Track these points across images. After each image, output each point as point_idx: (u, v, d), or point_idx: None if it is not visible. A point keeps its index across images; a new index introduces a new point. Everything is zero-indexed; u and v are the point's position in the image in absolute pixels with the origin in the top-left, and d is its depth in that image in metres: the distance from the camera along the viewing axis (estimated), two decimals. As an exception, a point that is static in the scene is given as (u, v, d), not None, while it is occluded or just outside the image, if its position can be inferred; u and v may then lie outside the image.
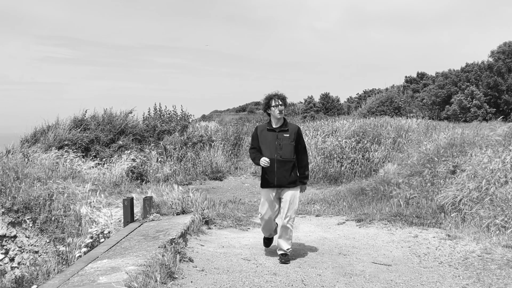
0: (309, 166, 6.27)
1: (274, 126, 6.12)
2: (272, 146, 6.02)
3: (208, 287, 5.17)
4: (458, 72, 43.15)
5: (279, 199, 6.18)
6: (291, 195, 6.08)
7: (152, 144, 16.32)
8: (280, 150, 5.98)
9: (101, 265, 5.70)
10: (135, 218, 8.59)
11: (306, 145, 6.69)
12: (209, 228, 8.02)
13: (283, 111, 6.07)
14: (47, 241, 9.81)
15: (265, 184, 6.15)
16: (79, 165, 13.84)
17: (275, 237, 6.50)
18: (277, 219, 6.29)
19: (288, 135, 6.04)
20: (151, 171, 14.90)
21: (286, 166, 6.00)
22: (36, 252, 9.90)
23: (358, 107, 34.58)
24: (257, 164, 6.11)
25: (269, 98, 6.13)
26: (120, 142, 15.67)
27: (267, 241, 6.78)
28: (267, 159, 5.95)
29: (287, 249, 6.25)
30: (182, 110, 19.68)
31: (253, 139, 6.30)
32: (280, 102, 6.06)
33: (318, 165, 15.56)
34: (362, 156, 15.99)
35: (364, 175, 14.96)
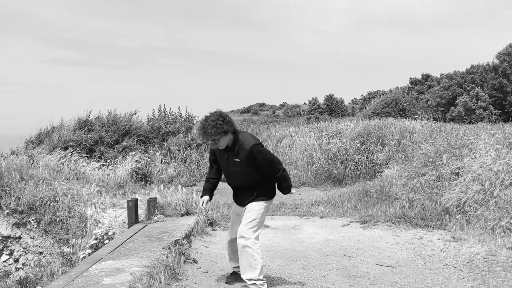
0: (286, 173, 5.00)
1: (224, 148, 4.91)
2: (226, 170, 5.01)
3: (212, 289, 5.17)
4: (463, 74, 43.04)
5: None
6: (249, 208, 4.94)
7: (156, 146, 16.35)
8: (232, 176, 4.99)
9: (105, 266, 5.71)
10: (139, 219, 8.60)
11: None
12: (213, 230, 8.02)
13: (217, 146, 4.82)
14: (52, 242, 9.84)
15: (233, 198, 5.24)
16: (83, 166, 13.88)
17: None
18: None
19: (238, 159, 4.81)
20: (155, 172, 14.92)
21: (245, 191, 4.97)
22: (41, 253, 9.93)
23: (362, 108, 34.56)
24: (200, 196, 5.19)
25: (201, 136, 4.85)
26: (125, 143, 15.71)
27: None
28: (204, 202, 5.04)
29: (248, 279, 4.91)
30: (186, 111, 19.74)
31: (210, 155, 5.22)
32: (213, 139, 4.74)
33: (322, 167, 15.55)
34: (366, 158, 15.96)
35: (368, 177, 14.93)
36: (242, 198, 5.01)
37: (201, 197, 5.09)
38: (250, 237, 4.76)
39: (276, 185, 5.06)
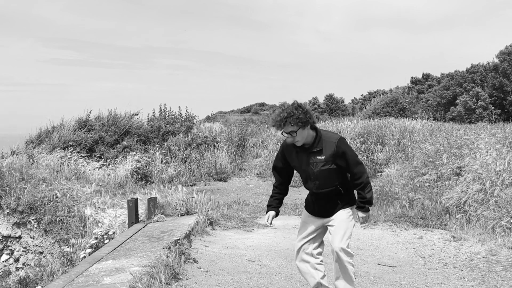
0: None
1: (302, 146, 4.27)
2: (306, 172, 4.31)
3: (212, 288, 5.17)
4: (463, 73, 43.04)
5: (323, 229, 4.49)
6: (339, 218, 4.31)
7: (156, 145, 16.34)
8: (315, 179, 4.27)
9: (105, 265, 5.71)
10: (139, 219, 8.60)
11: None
12: (214, 229, 8.02)
13: (294, 141, 4.20)
14: (52, 242, 9.84)
15: (306, 207, 4.57)
16: (83, 166, 13.88)
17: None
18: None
19: (323, 156, 4.17)
20: (155, 172, 14.92)
21: (327, 198, 4.32)
22: (41, 252, 9.93)
23: (362, 108, 34.52)
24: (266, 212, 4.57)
25: (273, 121, 4.21)
26: (125, 143, 15.70)
27: None
28: (269, 218, 4.46)
29: None
30: (186, 111, 19.70)
31: (277, 158, 4.53)
32: (290, 130, 4.13)
33: (323, 166, 15.50)
34: (367, 157, 15.96)
35: (368, 176, 14.92)
36: (323, 207, 4.33)
37: (266, 212, 4.51)
38: (352, 253, 4.26)
39: (356, 195, 4.35)
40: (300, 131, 4.09)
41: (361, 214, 4.28)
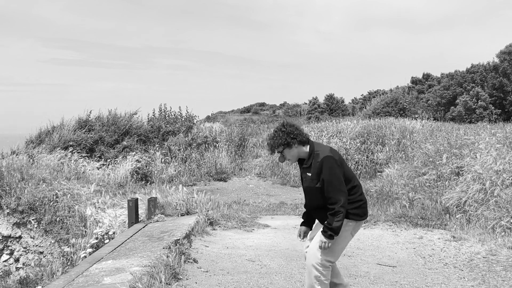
0: (343, 211, 4.01)
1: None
2: (303, 186, 4.40)
3: (212, 288, 5.17)
4: (463, 73, 42.99)
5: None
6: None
7: (156, 145, 16.34)
8: (306, 194, 4.37)
9: (105, 265, 5.71)
10: (139, 219, 8.60)
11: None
12: (214, 229, 8.02)
13: (285, 159, 4.33)
14: (52, 241, 9.84)
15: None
16: (83, 166, 13.88)
17: None
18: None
19: (310, 174, 4.19)
20: (155, 172, 14.92)
21: (320, 213, 4.24)
22: (41, 252, 9.93)
23: (362, 108, 34.50)
24: None
25: (268, 150, 4.39)
26: (125, 143, 15.70)
27: None
28: (300, 233, 4.51)
29: None
30: (187, 111, 19.70)
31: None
32: (277, 151, 4.30)
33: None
34: (367, 157, 15.96)
35: (368, 176, 14.93)
36: (324, 216, 4.18)
37: (301, 224, 4.52)
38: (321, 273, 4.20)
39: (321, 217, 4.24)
40: (287, 150, 4.24)
41: (322, 238, 4.09)
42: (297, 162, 4.42)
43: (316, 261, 4.15)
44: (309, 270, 4.22)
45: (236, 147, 17.58)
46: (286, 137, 4.20)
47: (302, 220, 4.55)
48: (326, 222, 4.08)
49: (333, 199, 4.03)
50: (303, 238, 4.46)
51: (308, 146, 4.25)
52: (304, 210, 4.52)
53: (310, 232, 4.48)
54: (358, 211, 4.22)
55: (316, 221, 4.44)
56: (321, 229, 4.13)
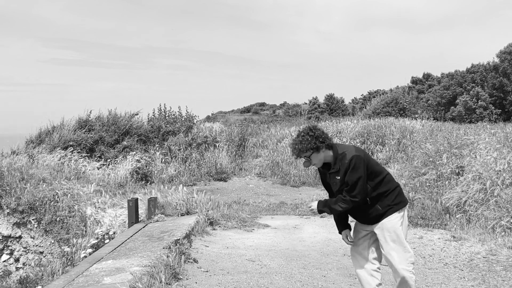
0: (349, 202, 4.07)
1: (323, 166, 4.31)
2: (331, 192, 4.38)
3: (212, 288, 5.17)
4: (463, 73, 42.97)
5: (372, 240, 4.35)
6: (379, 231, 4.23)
7: (156, 145, 16.34)
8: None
9: (106, 265, 5.72)
10: (139, 219, 8.61)
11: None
12: (214, 229, 8.03)
13: (311, 164, 4.24)
14: (52, 241, 9.84)
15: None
16: (83, 165, 13.88)
17: None
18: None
19: (339, 177, 4.15)
20: (155, 172, 14.91)
21: (361, 210, 4.23)
22: (41, 252, 9.93)
23: (363, 108, 34.50)
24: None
25: (293, 155, 4.29)
26: (125, 143, 15.70)
27: None
28: (347, 238, 4.40)
29: None
30: (187, 111, 19.69)
31: (321, 177, 4.54)
32: (304, 156, 4.19)
33: (323, 166, 15.50)
34: (367, 157, 15.95)
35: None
36: (362, 217, 4.29)
37: (340, 232, 4.45)
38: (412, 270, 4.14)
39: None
40: (315, 155, 4.13)
41: (313, 205, 4.24)
42: (322, 170, 4.34)
43: (406, 263, 4.09)
44: (402, 280, 4.09)
45: (236, 147, 17.57)
46: (315, 141, 4.10)
47: (339, 228, 4.45)
48: (333, 202, 4.13)
49: (353, 194, 4.03)
50: (351, 241, 4.36)
51: (332, 150, 4.19)
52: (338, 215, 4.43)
53: (350, 232, 4.41)
54: (400, 198, 4.23)
55: (354, 222, 4.39)
56: (319, 200, 4.25)
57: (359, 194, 4.03)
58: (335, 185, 4.18)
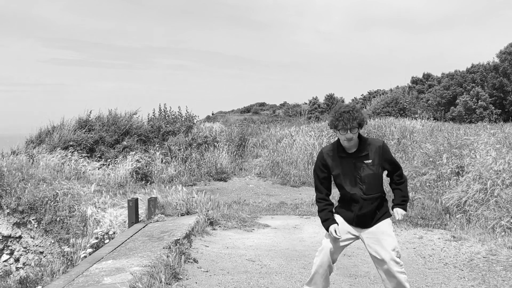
0: None
1: (348, 152, 4.17)
2: (352, 177, 4.18)
3: (212, 288, 5.17)
4: (463, 73, 42.99)
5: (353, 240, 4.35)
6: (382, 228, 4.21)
7: (156, 145, 16.33)
8: (362, 184, 4.15)
9: (106, 265, 5.72)
10: (139, 219, 8.61)
11: None
12: (214, 229, 8.03)
13: (352, 139, 4.06)
14: (52, 241, 9.85)
15: (341, 214, 4.34)
16: (84, 166, 13.88)
17: None
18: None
19: (370, 160, 4.13)
20: (155, 172, 14.91)
21: (370, 205, 4.18)
22: (41, 252, 9.94)
23: (363, 108, 34.50)
24: (325, 227, 4.28)
25: (335, 119, 4.07)
26: (125, 143, 15.70)
27: None
28: (335, 232, 4.14)
29: None
30: (187, 111, 19.69)
31: (318, 170, 4.32)
32: (349, 127, 4.00)
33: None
34: (367, 157, 15.95)
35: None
36: (363, 217, 4.19)
37: (328, 228, 4.21)
38: (401, 262, 4.11)
39: (393, 196, 4.28)
40: (356, 131, 4.06)
41: (401, 212, 4.20)
42: (328, 156, 4.23)
43: (396, 255, 4.07)
44: (394, 271, 4.04)
45: (236, 147, 17.56)
46: (363, 117, 4.05)
47: (328, 218, 4.25)
48: (401, 194, 4.24)
49: (402, 173, 4.27)
50: (339, 235, 4.14)
51: (359, 136, 4.17)
52: (324, 208, 4.28)
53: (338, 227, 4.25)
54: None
55: (341, 219, 4.28)
56: (397, 203, 4.23)
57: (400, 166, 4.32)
58: (364, 170, 4.12)
